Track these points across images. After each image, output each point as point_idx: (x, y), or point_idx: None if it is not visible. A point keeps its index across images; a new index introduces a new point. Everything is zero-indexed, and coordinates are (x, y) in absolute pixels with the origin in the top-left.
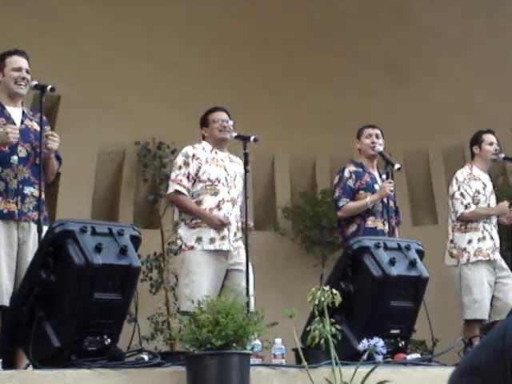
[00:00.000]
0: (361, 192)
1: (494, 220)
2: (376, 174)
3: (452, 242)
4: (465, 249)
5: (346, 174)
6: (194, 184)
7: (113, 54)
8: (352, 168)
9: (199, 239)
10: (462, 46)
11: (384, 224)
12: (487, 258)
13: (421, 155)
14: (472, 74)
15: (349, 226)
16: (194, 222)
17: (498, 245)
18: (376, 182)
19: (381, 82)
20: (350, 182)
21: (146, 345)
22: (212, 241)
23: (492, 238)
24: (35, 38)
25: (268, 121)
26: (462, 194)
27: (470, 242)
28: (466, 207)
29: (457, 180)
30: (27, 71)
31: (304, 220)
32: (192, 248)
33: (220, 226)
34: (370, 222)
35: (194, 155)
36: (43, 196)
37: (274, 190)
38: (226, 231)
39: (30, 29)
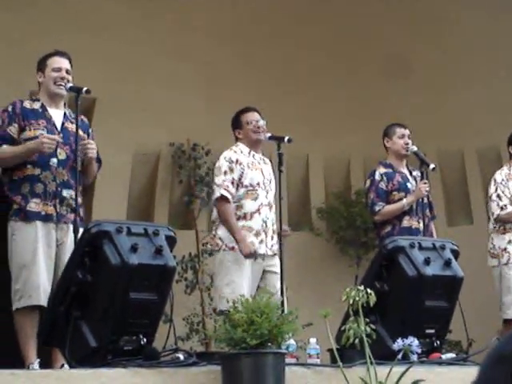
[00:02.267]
0: (394, 193)
1: None
2: (406, 172)
3: (492, 243)
4: (505, 249)
5: (377, 176)
6: (237, 189)
7: (146, 55)
8: (382, 170)
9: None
10: (495, 45)
11: (419, 222)
12: None
13: (456, 156)
14: (507, 73)
15: (384, 226)
16: None
17: None
18: (408, 181)
19: (415, 82)
20: (382, 185)
21: (181, 345)
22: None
23: None
24: (68, 39)
25: (302, 121)
26: (498, 196)
27: (510, 242)
28: (502, 209)
29: (495, 181)
30: (67, 72)
31: (338, 220)
32: (233, 249)
33: (247, 255)
34: (406, 222)
35: (237, 160)
36: (80, 199)
37: (309, 191)
38: (263, 235)
39: (62, 30)
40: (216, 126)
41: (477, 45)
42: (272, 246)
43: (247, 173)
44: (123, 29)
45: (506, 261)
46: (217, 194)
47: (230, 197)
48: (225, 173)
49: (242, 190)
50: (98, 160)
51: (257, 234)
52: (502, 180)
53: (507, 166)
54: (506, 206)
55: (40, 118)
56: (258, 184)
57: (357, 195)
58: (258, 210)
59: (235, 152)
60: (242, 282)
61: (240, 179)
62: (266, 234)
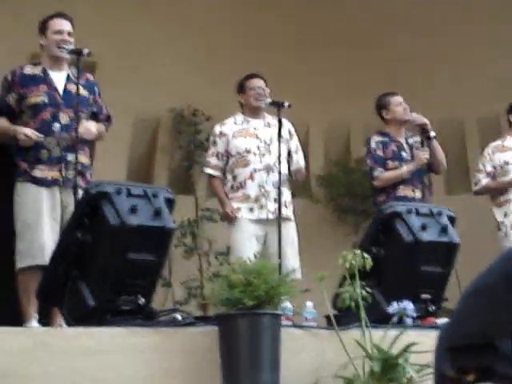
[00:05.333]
0: (388, 161)
1: None
2: (403, 140)
3: (494, 215)
4: (502, 222)
5: (373, 144)
6: (228, 161)
7: (147, 20)
8: (378, 138)
9: (238, 209)
10: (498, 12)
11: (414, 191)
12: None
13: (456, 124)
14: (509, 41)
15: (379, 194)
16: (232, 195)
17: None
18: (403, 150)
19: (415, 49)
20: (379, 152)
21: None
22: (251, 210)
23: None
24: (68, 3)
25: (302, 88)
26: (478, 170)
27: (505, 215)
28: (476, 184)
29: (482, 154)
30: (69, 34)
31: (337, 188)
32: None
33: (226, 218)
34: (400, 191)
35: (220, 132)
36: (87, 161)
37: (308, 158)
38: (263, 200)
39: None
40: (217, 92)
41: (479, 11)
42: (275, 209)
43: (233, 142)
44: None
45: (504, 234)
46: (205, 172)
47: (214, 172)
48: (209, 148)
49: (232, 160)
50: (108, 118)
51: (256, 200)
52: (488, 154)
53: (502, 138)
54: (479, 180)
55: (41, 83)
56: (248, 150)
57: (356, 163)
58: (251, 176)
59: (222, 124)
60: (243, 247)
61: (227, 150)
62: (266, 198)
